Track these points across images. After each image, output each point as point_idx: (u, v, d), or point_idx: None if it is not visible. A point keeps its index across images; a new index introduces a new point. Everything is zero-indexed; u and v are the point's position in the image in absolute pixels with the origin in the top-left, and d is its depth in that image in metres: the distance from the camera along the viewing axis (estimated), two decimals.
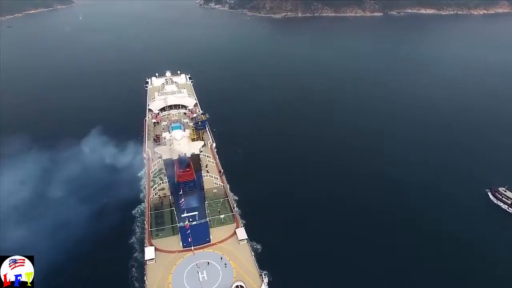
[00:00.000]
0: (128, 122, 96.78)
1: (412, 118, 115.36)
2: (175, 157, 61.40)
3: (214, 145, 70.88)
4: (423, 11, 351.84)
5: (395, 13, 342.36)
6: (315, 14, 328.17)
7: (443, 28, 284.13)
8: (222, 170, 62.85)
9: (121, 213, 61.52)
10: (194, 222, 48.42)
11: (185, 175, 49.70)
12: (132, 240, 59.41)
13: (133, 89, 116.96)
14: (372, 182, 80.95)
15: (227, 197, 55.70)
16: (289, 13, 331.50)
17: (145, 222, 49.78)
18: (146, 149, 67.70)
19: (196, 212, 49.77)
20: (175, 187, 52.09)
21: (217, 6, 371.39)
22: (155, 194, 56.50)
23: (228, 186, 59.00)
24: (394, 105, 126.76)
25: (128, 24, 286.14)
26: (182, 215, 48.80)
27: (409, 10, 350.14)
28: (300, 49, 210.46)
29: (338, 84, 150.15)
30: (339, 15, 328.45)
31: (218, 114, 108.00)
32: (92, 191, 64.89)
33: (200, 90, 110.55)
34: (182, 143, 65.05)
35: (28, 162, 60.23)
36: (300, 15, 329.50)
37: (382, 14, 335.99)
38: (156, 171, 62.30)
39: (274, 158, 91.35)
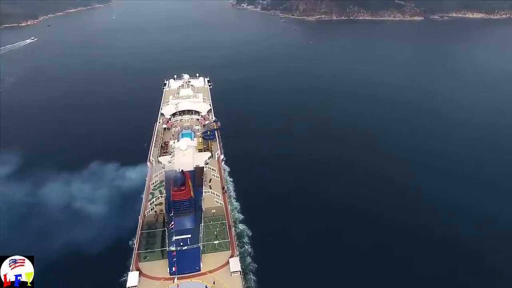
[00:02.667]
0: (143, 126, 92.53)
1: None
2: (178, 169, 57.89)
3: (222, 157, 66.33)
4: (469, 15, 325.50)
5: (438, 17, 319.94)
6: (351, 17, 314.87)
7: (494, 34, 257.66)
8: (225, 187, 58.08)
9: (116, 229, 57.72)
10: (185, 247, 44.16)
11: (179, 194, 45.56)
12: (119, 261, 49.56)
13: (154, 90, 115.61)
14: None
15: (227, 219, 50.75)
16: (323, 15, 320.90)
17: (134, 242, 46.04)
18: (151, 157, 64.52)
19: (189, 236, 45.48)
20: (169, 205, 48.19)
21: (249, 6, 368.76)
22: (151, 209, 52.86)
23: (230, 206, 54.11)
24: (427, 127, 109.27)
25: (158, 24, 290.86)
26: (174, 238, 44.78)
27: (454, 14, 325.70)
28: (332, 55, 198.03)
29: (371, 97, 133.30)
30: (376, 18, 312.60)
31: (234, 120, 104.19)
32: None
33: (219, 95, 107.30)
34: (186, 153, 61.30)
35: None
36: (334, 18, 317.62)
37: (423, 18, 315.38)
38: (157, 183, 58.85)
39: (293, 177, 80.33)
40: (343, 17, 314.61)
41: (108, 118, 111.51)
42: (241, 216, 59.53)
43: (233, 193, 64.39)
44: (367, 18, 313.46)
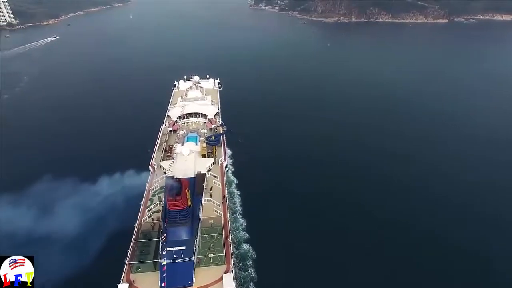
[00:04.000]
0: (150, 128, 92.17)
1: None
2: (179, 175, 56.01)
3: (225, 163, 64.01)
4: (498, 17, 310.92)
5: (463, 20, 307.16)
6: (370, 20, 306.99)
7: None
8: (226, 196, 55.63)
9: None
10: (178, 260, 42.05)
11: (174, 204, 43.54)
12: (112, 271, 46.15)
13: (166, 90, 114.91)
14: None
15: (224, 231, 48.32)
16: (342, 17, 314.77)
17: (127, 251, 44.33)
18: (153, 161, 62.95)
19: (183, 247, 43.35)
20: (166, 214, 46.28)
21: (267, 7, 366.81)
22: (149, 216, 51.13)
23: (229, 217, 51.63)
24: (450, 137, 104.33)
25: (174, 23, 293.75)
26: (167, 249, 42.82)
27: (481, 17, 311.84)
28: (350, 59, 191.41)
29: (388, 104, 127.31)
30: (397, 21, 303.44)
31: (243, 125, 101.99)
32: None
33: (230, 97, 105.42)
34: (189, 159, 59.31)
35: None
36: (353, 20, 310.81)
37: (447, 21, 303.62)
38: (157, 188, 57.12)
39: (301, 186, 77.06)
40: (362, 19, 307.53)
41: (116, 119, 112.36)
42: (245, 235, 56.35)
43: (239, 208, 61.56)
44: (387, 20, 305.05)
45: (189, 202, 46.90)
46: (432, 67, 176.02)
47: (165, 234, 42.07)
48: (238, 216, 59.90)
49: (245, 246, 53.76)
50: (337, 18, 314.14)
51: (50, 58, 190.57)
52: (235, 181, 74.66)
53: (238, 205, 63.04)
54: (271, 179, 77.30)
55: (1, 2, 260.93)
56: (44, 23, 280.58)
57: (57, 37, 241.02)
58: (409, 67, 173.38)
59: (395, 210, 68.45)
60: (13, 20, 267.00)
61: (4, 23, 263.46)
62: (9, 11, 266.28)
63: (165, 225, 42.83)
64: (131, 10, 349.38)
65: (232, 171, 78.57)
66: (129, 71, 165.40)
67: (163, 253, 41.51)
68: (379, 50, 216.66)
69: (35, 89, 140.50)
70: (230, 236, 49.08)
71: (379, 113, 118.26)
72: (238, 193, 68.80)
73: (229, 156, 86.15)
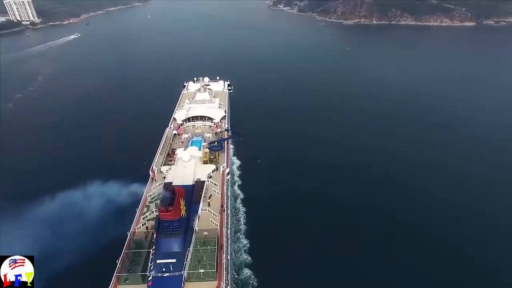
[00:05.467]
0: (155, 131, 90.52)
1: None
2: (177, 182, 54.16)
3: (227, 170, 61.59)
4: None
5: (493, 22, 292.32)
6: (392, 22, 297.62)
7: None
8: (225, 205, 53.17)
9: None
10: (167, 274, 39.88)
11: (166, 215, 41.52)
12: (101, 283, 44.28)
13: (176, 91, 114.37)
14: None
15: (218, 244, 45.87)
16: (362, 19, 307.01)
17: (117, 261, 42.71)
18: (153, 166, 61.38)
19: (174, 260, 41.22)
20: (158, 224, 44.40)
21: (285, 8, 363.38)
22: (143, 224, 49.41)
23: (226, 229, 49.13)
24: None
25: (191, 23, 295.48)
26: (157, 261, 40.88)
27: None
28: (369, 64, 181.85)
29: (411, 111, 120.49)
30: (420, 24, 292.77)
31: (253, 131, 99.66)
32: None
33: (241, 100, 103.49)
34: (188, 165, 57.34)
35: None
36: (374, 22, 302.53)
37: (474, 24, 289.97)
38: (155, 194, 55.33)
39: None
40: (383, 22, 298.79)
41: (124, 120, 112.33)
42: (248, 258, 52.93)
43: (242, 227, 57.96)
44: (410, 23, 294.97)
45: (183, 212, 44.85)
46: (459, 73, 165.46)
47: (153, 246, 39.98)
48: (241, 236, 56.00)
49: (246, 272, 49.79)
50: (357, 20, 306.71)
51: (65, 57, 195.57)
52: (241, 195, 70.75)
53: (242, 223, 58.96)
54: (282, 196, 71.30)
55: (26, 2, 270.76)
56: (65, 22, 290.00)
57: (79, 34, 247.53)
58: (433, 73, 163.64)
59: (433, 229, 64.16)
60: (36, 19, 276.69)
61: (28, 22, 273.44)
62: (33, 10, 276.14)
63: (154, 236, 40.84)
64: (150, 10, 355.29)
65: (239, 184, 75.37)
66: (142, 71, 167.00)
67: (151, 265, 39.55)
68: (401, 54, 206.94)
69: (47, 89, 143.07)
70: (226, 249, 46.73)
71: (399, 120, 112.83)
72: (244, 209, 64.77)
73: (237, 167, 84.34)
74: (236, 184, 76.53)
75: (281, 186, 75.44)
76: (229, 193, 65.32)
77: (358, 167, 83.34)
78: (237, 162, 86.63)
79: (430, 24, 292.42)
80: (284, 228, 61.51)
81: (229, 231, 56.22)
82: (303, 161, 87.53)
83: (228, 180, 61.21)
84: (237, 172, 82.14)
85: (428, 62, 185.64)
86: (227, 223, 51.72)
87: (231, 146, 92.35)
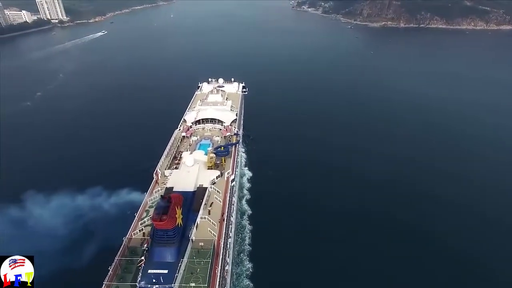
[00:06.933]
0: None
1: None
2: (178, 187, 52.38)
3: (232, 177, 59.12)
4: None
5: None
6: (421, 25, 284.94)
7: None
8: (225, 215, 50.67)
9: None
10: (156, 286, 38.05)
11: (159, 224, 39.62)
12: None
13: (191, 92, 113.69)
14: None
15: (215, 256, 43.44)
16: (389, 22, 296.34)
17: (109, 267, 41.25)
18: (158, 169, 59.91)
19: (165, 271, 39.33)
20: (152, 232, 42.67)
21: (309, 9, 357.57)
22: (140, 230, 47.81)
23: (227, 240, 46.63)
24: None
25: (213, 23, 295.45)
26: (148, 271, 39.12)
27: None
28: (394, 70, 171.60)
29: (440, 132, 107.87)
30: (451, 27, 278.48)
31: (266, 135, 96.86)
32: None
33: (257, 104, 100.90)
34: (191, 171, 55.36)
35: None
36: (402, 25, 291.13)
37: None
38: (156, 199, 53.71)
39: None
40: (412, 25, 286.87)
41: (138, 121, 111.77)
42: (250, 285, 49.67)
43: (247, 247, 53.91)
44: (440, 26, 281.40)
45: (178, 221, 42.84)
46: (498, 81, 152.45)
47: (142, 258, 38.21)
48: (244, 258, 52.23)
49: None
50: (383, 22, 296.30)
51: (87, 55, 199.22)
52: (249, 211, 66.88)
53: (247, 243, 55.04)
54: (292, 216, 65.33)
55: (56, 1, 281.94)
56: (91, 21, 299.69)
57: (105, 32, 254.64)
58: (468, 84, 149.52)
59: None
60: (64, 17, 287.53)
61: (56, 21, 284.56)
62: (63, 9, 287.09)
63: (144, 246, 39.06)
64: (174, 9, 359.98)
65: (247, 199, 71.91)
66: (161, 71, 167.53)
67: (142, 275, 37.83)
68: (431, 61, 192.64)
69: (66, 88, 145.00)
70: (223, 262, 44.29)
71: (426, 134, 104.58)
72: (250, 227, 60.81)
73: (248, 179, 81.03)
74: (245, 198, 72.88)
75: (296, 203, 69.24)
76: (235, 199, 62.96)
77: (398, 183, 77.57)
78: (248, 174, 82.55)
79: (462, 27, 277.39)
80: (294, 255, 55.58)
81: (230, 241, 53.78)
82: (324, 175, 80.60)
83: (233, 187, 58.75)
84: (247, 185, 78.40)
85: (461, 69, 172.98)
86: (227, 233, 49.29)
87: (244, 155, 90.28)
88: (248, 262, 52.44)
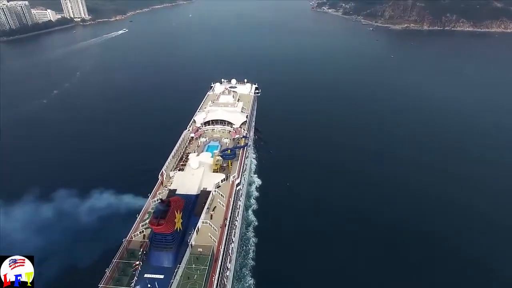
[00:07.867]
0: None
1: None
2: (181, 190, 51.44)
3: (238, 181, 57.65)
4: None
5: None
6: (446, 28, 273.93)
7: None
8: (227, 220, 49.22)
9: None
10: None
11: (157, 228, 38.68)
12: None
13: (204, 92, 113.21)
14: None
15: (214, 263, 42.06)
16: (412, 24, 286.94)
17: (106, 269, 40.63)
18: (164, 170, 59.19)
19: (162, 276, 38.48)
20: (151, 235, 41.84)
21: (330, 10, 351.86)
22: (141, 232, 47.06)
23: (224, 247, 45.16)
24: None
25: (232, 23, 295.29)
26: (145, 275, 38.32)
27: None
28: (415, 77, 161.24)
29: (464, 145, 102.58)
30: (479, 30, 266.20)
31: (279, 138, 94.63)
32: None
33: (269, 106, 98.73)
34: (196, 173, 54.30)
35: None
36: (425, 27, 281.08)
37: None
38: (159, 201, 52.98)
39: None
40: (436, 27, 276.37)
41: (150, 120, 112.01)
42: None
43: (250, 262, 51.52)
44: (467, 29, 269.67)
45: (177, 225, 41.80)
46: None
47: (137, 262, 37.36)
48: (247, 273, 49.86)
49: None
50: (406, 25, 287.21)
51: (105, 54, 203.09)
52: (255, 222, 64.56)
53: (250, 258, 52.70)
54: (303, 233, 61.17)
55: (79, 0, 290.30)
56: (112, 19, 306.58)
57: (126, 30, 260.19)
58: (496, 90, 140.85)
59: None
60: (87, 16, 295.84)
61: (79, 19, 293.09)
62: (85, 8, 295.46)
63: (141, 250, 38.21)
64: (193, 8, 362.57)
65: (254, 209, 69.57)
66: (177, 70, 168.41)
67: (137, 279, 37.02)
68: (456, 67, 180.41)
69: (82, 86, 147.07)
70: (224, 269, 42.89)
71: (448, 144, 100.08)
72: (255, 240, 58.48)
73: (257, 188, 78.71)
74: (252, 208, 70.54)
75: (310, 222, 64.84)
76: (240, 203, 61.50)
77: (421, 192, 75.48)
78: (257, 182, 80.00)
79: (491, 30, 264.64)
80: (302, 277, 52.38)
81: (233, 245, 52.41)
82: (351, 185, 76.37)
83: (238, 191, 57.28)
84: (255, 194, 75.88)
85: (489, 76, 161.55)
86: (229, 239, 47.89)
87: (254, 161, 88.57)
88: (250, 278, 50.24)
